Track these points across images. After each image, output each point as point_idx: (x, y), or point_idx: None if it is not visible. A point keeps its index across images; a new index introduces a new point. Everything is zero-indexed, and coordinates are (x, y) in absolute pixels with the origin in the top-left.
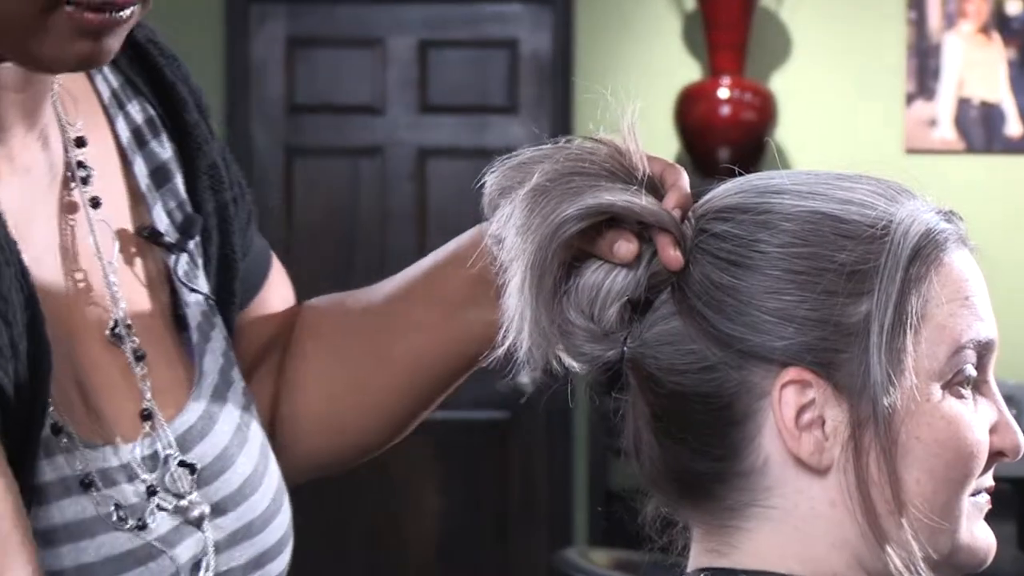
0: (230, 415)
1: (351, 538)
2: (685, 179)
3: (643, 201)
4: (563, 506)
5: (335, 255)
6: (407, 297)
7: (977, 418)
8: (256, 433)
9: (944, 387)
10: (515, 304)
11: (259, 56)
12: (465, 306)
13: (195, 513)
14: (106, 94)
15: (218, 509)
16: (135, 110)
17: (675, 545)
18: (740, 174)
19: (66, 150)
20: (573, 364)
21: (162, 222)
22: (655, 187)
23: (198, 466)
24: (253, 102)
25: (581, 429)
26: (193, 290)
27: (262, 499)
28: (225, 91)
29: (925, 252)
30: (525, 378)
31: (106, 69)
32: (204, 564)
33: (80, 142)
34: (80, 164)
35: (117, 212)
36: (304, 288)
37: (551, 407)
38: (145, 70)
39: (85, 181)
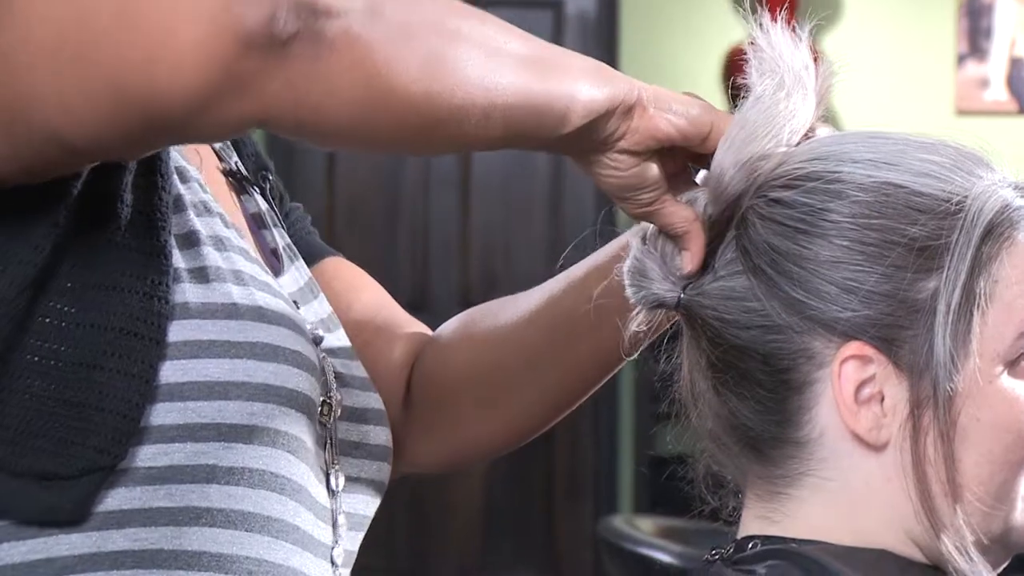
0: (324, 305)
1: (397, 498)
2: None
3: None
4: (609, 474)
5: (378, 222)
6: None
7: None
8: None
9: (1009, 368)
10: None
11: None
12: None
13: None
14: None
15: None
16: None
17: (722, 510)
18: None
19: None
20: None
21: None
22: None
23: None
24: None
25: (627, 396)
26: (276, 225)
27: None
28: None
29: (998, 231)
30: None
31: None
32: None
33: None
34: None
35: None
36: (347, 256)
37: None
38: None
39: None
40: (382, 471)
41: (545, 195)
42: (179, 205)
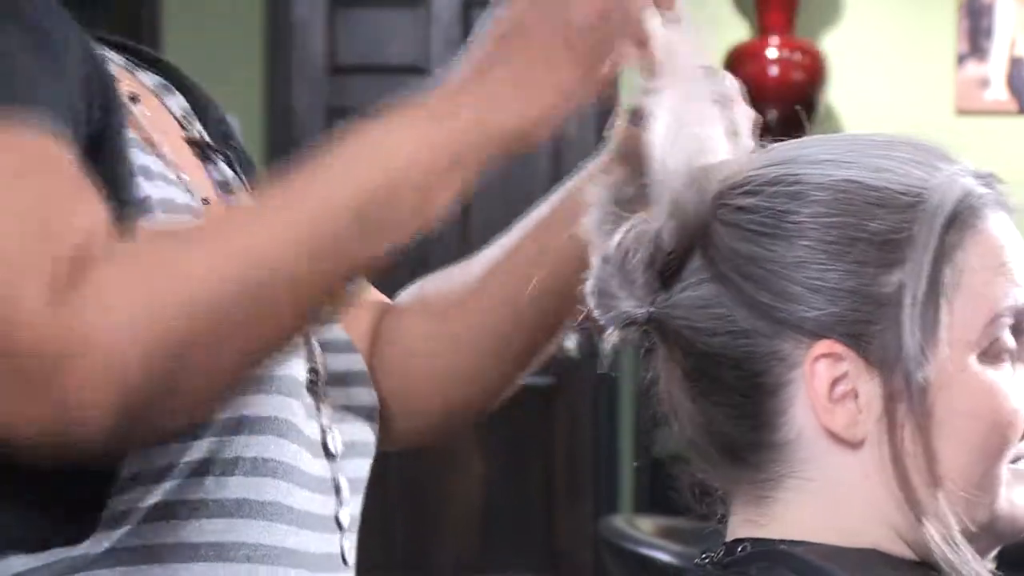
0: None
1: (395, 496)
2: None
3: None
4: (609, 473)
5: None
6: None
7: (1015, 385)
8: None
9: (980, 356)
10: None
11: (300, 15)
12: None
13: None
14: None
15: None
16: (153, 77)
17: (717, 512)
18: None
19: None
20: (606, 325)
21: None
22: None
23: None
24: (294, 63)
25: (627, 395)
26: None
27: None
28: (266, 51)
29: (961, 219)
30: (571, 343)
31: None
32: None
33: None
34: None
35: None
36: None
37: (597, 373)
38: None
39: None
40: (372, 431)
41: (545, 194)
42: (146, 206)
